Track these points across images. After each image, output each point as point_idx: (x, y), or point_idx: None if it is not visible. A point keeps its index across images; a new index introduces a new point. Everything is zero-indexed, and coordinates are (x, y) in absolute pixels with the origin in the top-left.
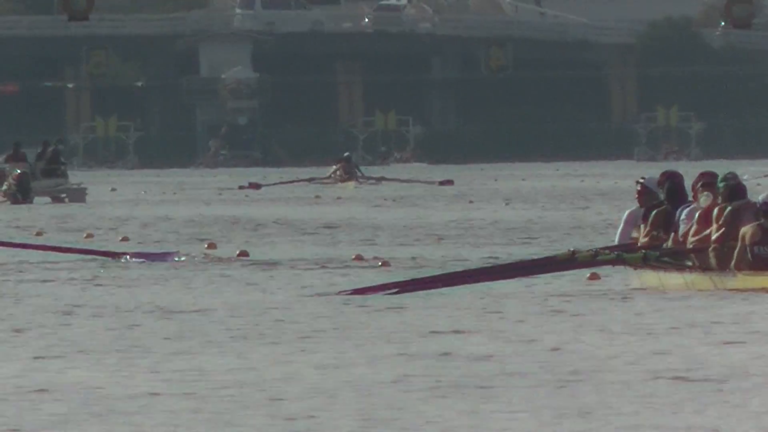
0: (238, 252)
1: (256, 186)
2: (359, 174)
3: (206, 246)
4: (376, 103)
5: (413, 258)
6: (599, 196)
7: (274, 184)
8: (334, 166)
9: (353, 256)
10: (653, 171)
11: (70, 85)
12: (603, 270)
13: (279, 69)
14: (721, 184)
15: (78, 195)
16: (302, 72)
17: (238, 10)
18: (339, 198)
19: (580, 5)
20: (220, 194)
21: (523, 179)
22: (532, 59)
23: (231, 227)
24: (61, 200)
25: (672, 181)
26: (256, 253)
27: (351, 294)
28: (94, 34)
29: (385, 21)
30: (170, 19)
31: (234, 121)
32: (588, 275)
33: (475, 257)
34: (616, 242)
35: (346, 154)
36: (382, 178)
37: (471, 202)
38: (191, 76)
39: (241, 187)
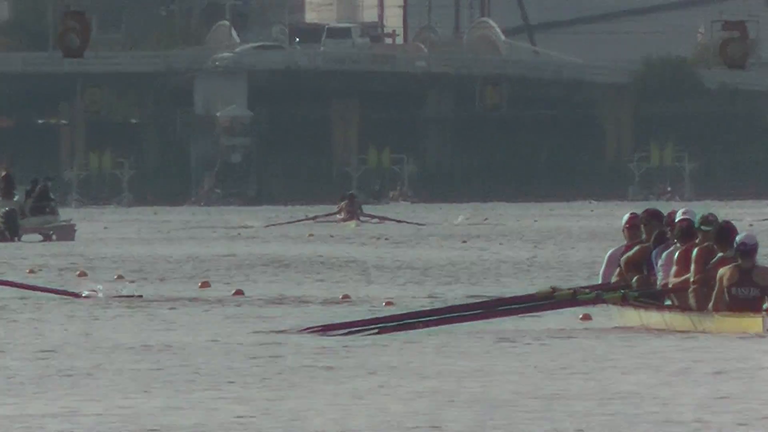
0: (234, 291)
1: (250, 226)
2: (360, 213)
3: (199, 285)
4: (370, 141)
5: (390, 299)
6: (593, 235)
7: (278, 224)
8: (338, 206)
9: (341, 296)
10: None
11: (64, 121)
12: (593, 310)
13: (274, 106)
14: (705, 227)
15: (66, 232)
16: (297, 109)
17: (229, 51)
18: (332, 236)
19: (574, 44)
20: (213, 233)
21: (517, 220)
22: (526, 98)
23: (225, 266)
24: (50, 237)
25: (660, 227)
26: (248, 291)
27: (320, 332)
28: (89, 70)
29: (381, 59)
30: (165, 56)
31: (228, 158)
32: (581, 316)
33: (463, 295)
34: (600, 282)
35: (349, 192)
36: (384, 218)
37: (464, 242)
38: (186, 113)
39: (245, 225)
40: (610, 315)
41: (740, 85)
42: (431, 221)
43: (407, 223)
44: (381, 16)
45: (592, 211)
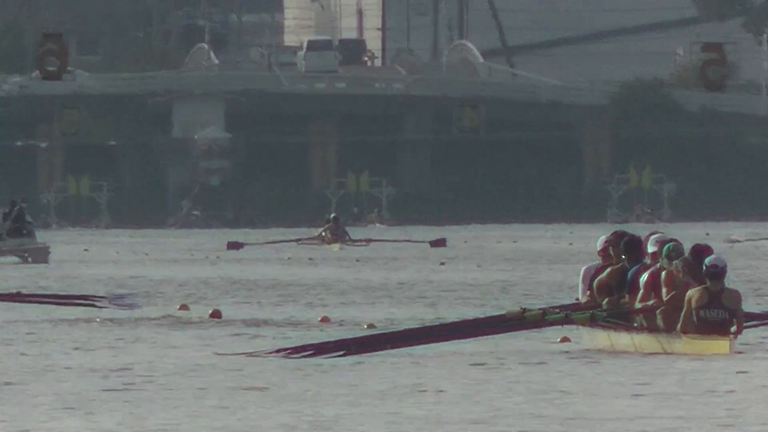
0: (210, 311)
1: (236, 246)
2: (347, 236)
3: (178, 307)
4: (349, 163)
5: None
6: (572, 257)
7: (259, 243)
8: (322, 228)
9: (321, 318)
10: (631, 233)
11: (43, 144)
12: (573, 332)
13: (252, 129)
14: (667, 262)
15: (41, 255)
16: (275, 132)
17: (208, 73)
18: (311, 259)
19: (552, 67)
20: (192, 255)
21: (498, 242)
22: (504, 120)
23: (203, 288)
24: (26, 260)
25: (630, 240)
26: (228, 313)
27: (286, 354)
28: (67, 92)
29: (359, 81)
30: (143, 78)
31: (206, 181)
32: (560, 339)
33: (442, 317)
34: (579, 298)
35: (333, 215)
36: (370, 240)
37: (442, 263)
38: (164, 136)
39: (230, 246)
40: (579, 337)
41: (719, 108)
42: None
43: (395, 241)
44: (360, 39)
45: (571, 233)
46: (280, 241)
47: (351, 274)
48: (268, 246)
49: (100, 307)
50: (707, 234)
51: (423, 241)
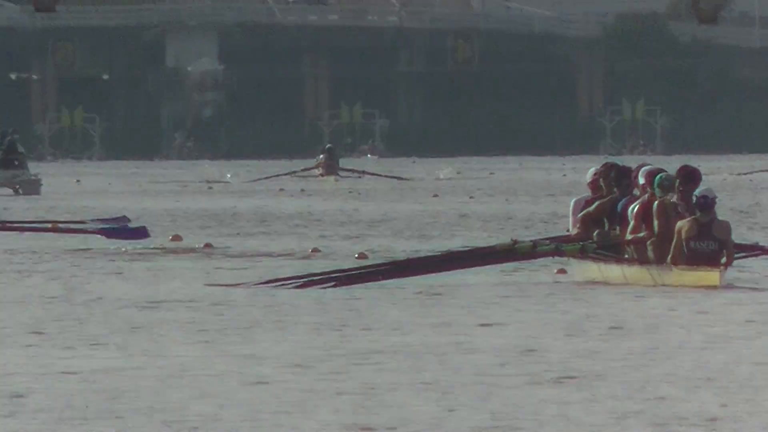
0: (203, 244)
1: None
2: (338, 167)
3: (170, 238)
4: (342, 96)
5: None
6: (564, 188)
7: (255, 180)
8: (320, 157)
9: (311, 249)
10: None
11: (36, 77)
12: (569, 264)
13: (245, 61)
14: (660, 192)
15: (32, 186)
16: (269, 65)
17: (201, 5)
18: (303, 190)
19: None
20: (185, 186)
21: (491, 173)
22: (498, 52)
23: (197, 220)
24: (17, 191)
25: (618, 170)
26: (219, 245)
27: (278, 285)
28: (61, 25)
29: (352, 14)
30: (137, 11)
31: (199, 113)
32: (556, 270)
33: (434, 249)
34: (570, 229)
35: (328, 146)
36: (364, 172)
37: (435, 195)
38: (157, 68)
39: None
40: (571, 269)
41: (712, 40)
42: (412, 175)
43: (388, 177)
44: None
45: (564, 165)
46: (275, 176)
47: (344, 206)
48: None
49: (93, 233)
50: (699, 165)
51: (420, 178)
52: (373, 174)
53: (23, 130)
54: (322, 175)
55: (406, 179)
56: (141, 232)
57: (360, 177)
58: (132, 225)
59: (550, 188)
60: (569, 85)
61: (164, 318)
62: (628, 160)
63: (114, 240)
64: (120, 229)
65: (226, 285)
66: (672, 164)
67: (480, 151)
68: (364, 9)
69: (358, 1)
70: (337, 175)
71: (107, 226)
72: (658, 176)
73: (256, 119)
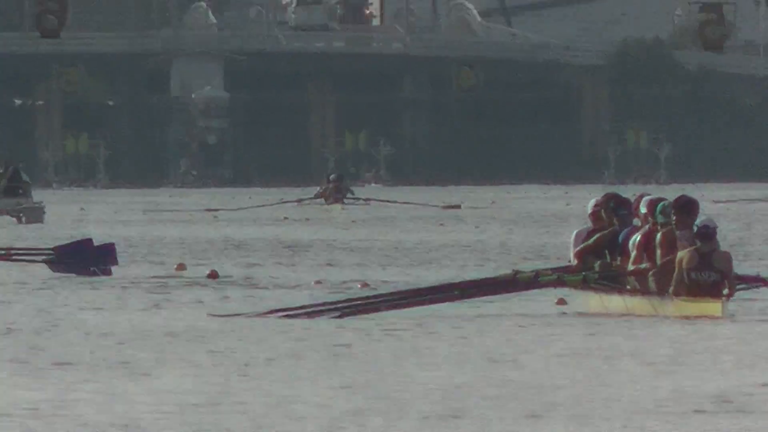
0: (208, 272)
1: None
2: (345, 196)
3: (175, 267)
4: (347, 123)
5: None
6: (568, 218)
7: (259, 206)
8: (324, 186)
9: (315, 281)
10: (627, 194)
11: (40, 103)
12: (569, 294)
13: (250, 88)
14: (662, 218)
15: (35, 214)
16: (274, 92)
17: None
18: (308, 219)
19: (551, 26)
20: (190, 214)
21: (493, 202)
22: (502, 80)
23: (202, 248)
24: (20, 219)
25: (616, 200)
26: (224, 273)
27: (283, 316)
28: (66, 51)
29: (357, 41)
30: (141, 37)
31: (204, 141)
32: (556, 300)
33: (438, 279)
34: (571, 261)
35: (335, 174)
36: (370, 200)
37: (441, 224)
38: (162, 95)
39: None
40: (573, 299)
41: (717, 68)
42: (423, 203)
43: (395, 203)
44: None
45: (566, 193)
46: (282, 202)
47: (348, 235)
48: (267, 207)
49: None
50: (702, 195)
51: (422, 204)
52: (379, 201)
53: (28, 157)
54: (328, 202)
55: (413, 204)
56: (106, 257)
57: (367, 204)
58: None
59: (554, 218)
60: (573, 112)
61: (164, 347)
62: (632, 189)
63: (62, 273)
64: (77, 257)
65: (229, 315)
66: (676, 193)
67: (484, 179)
68: (369, 36)
69: (363, 28)
70: (343, 203)
71: (53, 256)
72: (659, 204)
73: (261, 146)
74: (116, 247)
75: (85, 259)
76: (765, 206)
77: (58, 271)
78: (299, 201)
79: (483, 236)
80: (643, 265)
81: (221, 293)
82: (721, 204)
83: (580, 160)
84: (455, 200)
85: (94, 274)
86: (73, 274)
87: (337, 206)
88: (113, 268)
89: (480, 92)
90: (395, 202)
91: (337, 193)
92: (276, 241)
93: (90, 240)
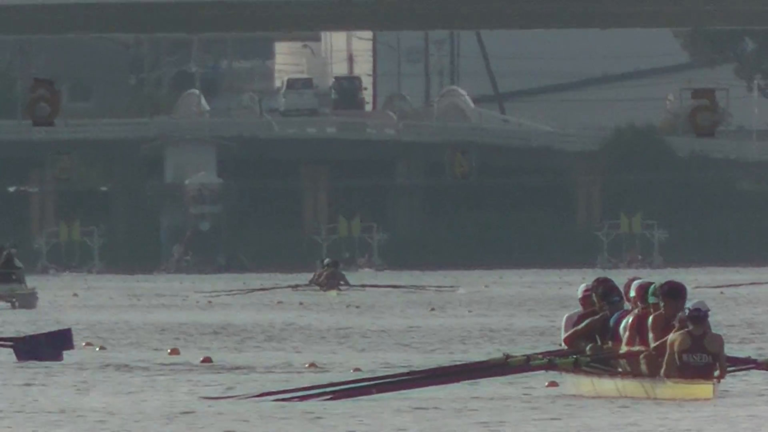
0: (202, 358)
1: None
2: (342, 282)
3: (168, 352)
4: (340, 209)
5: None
6: (562, 302)
7: (255, 290)
8: (318, 272)
9: (308, 363)
10: (618, 279)
11: (34, 189)
12: (560, 377)
13: (244, 174)
14: (653, 299)
15: (28, 300)
16: (267, 177)
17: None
18: (301, 303)
19: (543, 112)
20: (184, 300)
21: (486, 286)
22: (496, 166)
23: (195, 333)
24: (14, 305)
25: (605, 286)
26: (218, 358)
27: (276, 399)
28: (59, 138)
29: (350, 127)
30: (135, 124)
31: (197, 227)
32: (546, 383)
33: (429, 362)
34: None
35: (329, 260)
36: (365, 286)
37: (432, 309)
38: (156, 181)
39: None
40: (564, 382)
41: (710, 153)
42: (419, 285)
43: (390, 287)
44: (355, 76)
45: (560, 278)
46: (276, 288)
47: (341, 320)
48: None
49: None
50: (696, 279)
51: (414, 287)
52: (373, 286)
53: (22, 244)
54: (323, 288)
55: (405, 287)
56: (60, 343)
57: (363, 290)
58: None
59: (547, 302)
60: (566, 198)
61: (158, 429)
62: (626, 273)
63: (25, 360)
64: (34, 344)
65: (220, 398)
66: (669, 277)
67: (478, 264)
68: (362, 122)
69: (356, 114)
70: (339, 288)
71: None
72: (650, 287)
73: (253, 232)
74: (72, 333)
75: (41, 345)
76: (760, 290)
77: (23, 359)
78: (294, 287)
79: (475, 320)
80: (636, 348)
81: (215, 377)
82: (714, 288)
83: (574, 245)
84: (449, 284)
85: (57, 359)
86: (38, 361)
87: (333, 292)
88: (70, 352)
89: (474, 178)
90: (391, 286)
91: (331, 279)
92: (269, 325)
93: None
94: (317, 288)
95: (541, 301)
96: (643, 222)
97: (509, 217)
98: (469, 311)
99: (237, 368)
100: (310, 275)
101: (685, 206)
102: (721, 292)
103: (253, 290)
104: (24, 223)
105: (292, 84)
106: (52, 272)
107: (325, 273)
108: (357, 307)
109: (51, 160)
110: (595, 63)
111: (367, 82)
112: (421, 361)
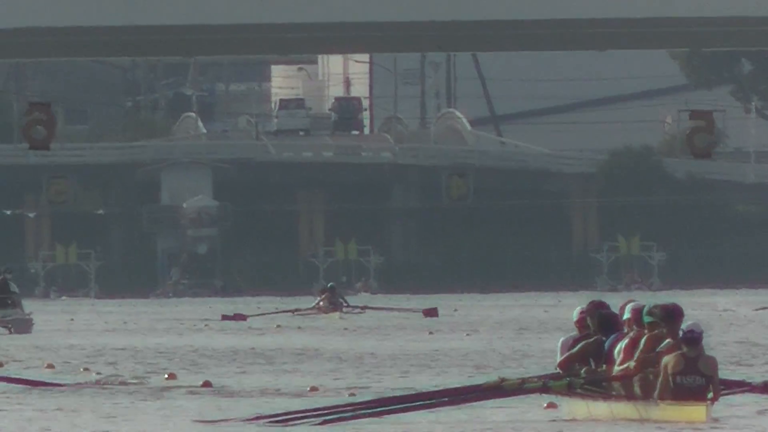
0: (202, 382)
1: (241, 317)
2: (344, 304)
3: (166, 377)
4: (337, 232)
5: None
6: (558, 324)
7: (258, 315)
8: (318, 297)
9: (309, 387)
10: (615, 300)
11: (30, 213)
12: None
13: (240, 197)
14: (648, 318)
15: (24, 325)
16: (263, 200)
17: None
18: (300, 327)
19: (540, 135)
20: (181, 324)
21: (483, 309)
22: (493, 188)
23: (193, 358)
24: (10, 330)
25: (600, 311)
26: (217, 383)
27: (269, 421)
28: (55, 162)
29: (347, 150)
30: (131, 148)
31: (194, 250)
32: (545, 405)
33: (426, 386)
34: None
35: (330, 284)
36: (366, 307)
37: (431, 333)
38: (152, 204)
39: (224, 317)
40: (562, 405)
41: (707, 175)
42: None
43: (390, 309)
44: (355, 97)
45: (559, 301)
46: (276, 312)
47: (339, 343)
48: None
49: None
50: (694, 301)
51: (416, 310)
52: (375, 308)
53: (18, 268)
54: (325, 312)
55: (407, 310)
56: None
57: (362, 312)
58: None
59: (545, 325)
60: (564, 220)
61: None
62: (625, 296)
63: None
64: None
65: (215, 421)
66: (669, 299)
67: (475, 287)
68: (358, 145)
69: (353, 138)
70: (341, 311)
71: None
72: (644, 308)
73: (251, 255)
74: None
75: None
76: (755, 313)
77: None
78: (294, 311)
79: (472, 344)
80: (626, 365)
81: (211, 401)
82: (714, 311)
83: (572, 268)
84: (444, 307)
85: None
86: None
87: (335, 315)
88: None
89: (470, 200)
90: (390, 309)
91: (332, 303)
92: (267, 349)
93: None
94: (317, 312)
95: (539, 324)
96: (641, 244)
97: (506, 240)
98: (467, 334)
99: (235, 392)
100: (308, 298)
101: (682, 228)
102: (720, 315)
103: (254, 315)
104: (20, 247)
105: (284, 105)
106: (52, 296)
107: (324, 297)
108: (354, 330)
109: (47, 184)
110: (592, 85)
111: (364, 104)
112: (420, 384)
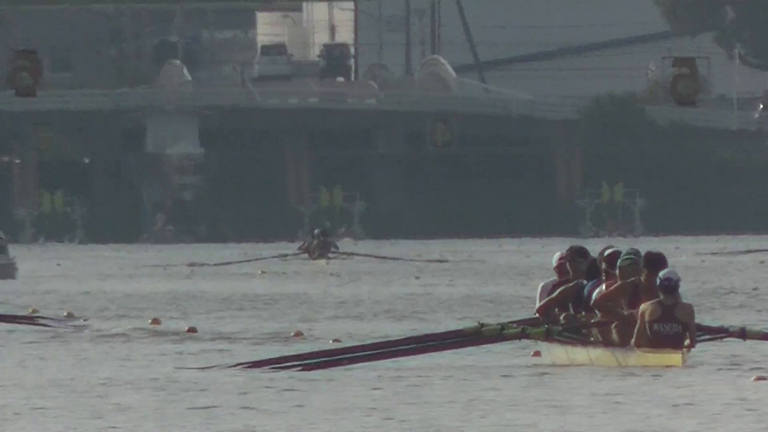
0: (187, 328)
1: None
2: (333, 250)
3: (150, 321)
4: (322, 179)
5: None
6: (543, 271)
7: (243, 261)
8: (308, 241)
9: (294, 332)
10: (597, 247)
11: (16, 160)
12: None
13: (225, 144)
14: (626, 262)
15: (7, 271)
16: (248, 147)
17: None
18: (284, 273)
19: (524, 82)
20: (166, 269)
21: (469, 255)
22: (477, 135)
23: (178, 303)
24: None
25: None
26: (202, 328)
27: (249, 367)
28: (40, 109)
29: (332, 96)
30: (116, 95)
31: (179, 197)
32: (532, 353)
33: (408, 332)
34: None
35: (318, 229)
36: (352, 254)
37: (417, 278)
38: (137, 152)
39: (191, 264)
40: (544, 352)
41: (690, 122)
42: (412, 256)
43: (376, 257)
44: (344, 44)
45: (543, 247)
46: (265, 258)
47: (324, 289)
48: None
49: (50, 327)
50: (677, 248)
51: (403, 258)
52: (361, 255)
53: (4, 214)
54: (313, 257)
55: (393, 258)
56: None
57: (347, 259)
58: None
59: (529, 271)
60: (548, 167)
61: (125, 402)
62: (608, 242)
63: None
64: None
65: (197, 368)
66: (651, 246)
67: (459, 233)
68: (343, 92)
69: (338, 84)
70: (328, 258)
71: None
72: (620, 259)
73: (235, 202)
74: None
75: None
76: (740, 259)
77: None
78: (283, 256)
79: (455, 290)
80: (601, 315)
81: (195, 347)
82: (698, 256)
83: (556, 215)
84: (433, 254)
85: None
86: None
87: (322, 261)
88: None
89: (454, 147)
90: (376, 256)
91: (322, 249)
92: (253, 295)
93: None
94: (306, 257)
95: (523, 271)
96: (624, 191)
97: (490, 187)
98: (450, 280)
99: (219, 338)
100: (293, 245)
101: (665, 175)
102: (702, 260)
103: (241, 261)
104: (5, 193)
105: (266, 51)
106: (41, 241)
107: (315, 243)
108: (339, 275)
109: (32, 131)
110: (576, 31)
111: (351, 51)
112: (399, 331)
